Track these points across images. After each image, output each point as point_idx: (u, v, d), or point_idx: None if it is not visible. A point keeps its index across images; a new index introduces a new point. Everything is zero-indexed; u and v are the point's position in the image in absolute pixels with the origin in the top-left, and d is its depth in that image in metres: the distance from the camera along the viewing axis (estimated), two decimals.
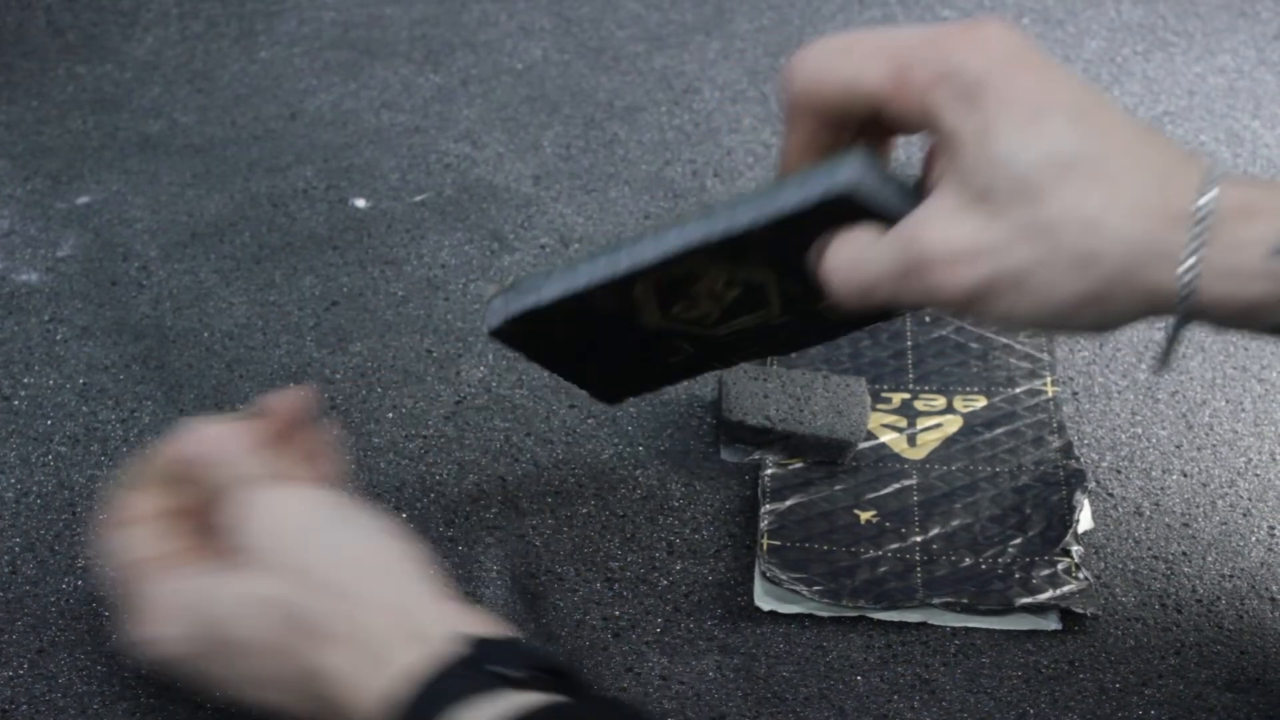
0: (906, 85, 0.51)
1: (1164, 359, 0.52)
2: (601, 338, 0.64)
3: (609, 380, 0.70)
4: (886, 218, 0.53)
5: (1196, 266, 0.47)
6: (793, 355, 0.79)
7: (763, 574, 0.66)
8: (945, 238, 0.50)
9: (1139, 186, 0.48)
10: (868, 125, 0.55)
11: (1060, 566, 0.66)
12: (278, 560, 0.55)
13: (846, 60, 0.53)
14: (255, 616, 0.54)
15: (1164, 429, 0.76)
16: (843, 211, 0.53)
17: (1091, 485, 0.72)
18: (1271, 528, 0.70)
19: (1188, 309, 0.48)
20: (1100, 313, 0.50)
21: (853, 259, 0.53)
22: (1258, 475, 0.73)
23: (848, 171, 0.52)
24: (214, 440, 0.60)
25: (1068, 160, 0.49)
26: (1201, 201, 0.47)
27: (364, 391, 0.78)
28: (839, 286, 0.54)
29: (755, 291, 0.59)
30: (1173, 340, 0.50)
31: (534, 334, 0.63)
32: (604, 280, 0.59)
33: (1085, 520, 0.70)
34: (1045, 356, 0.79)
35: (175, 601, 0.57)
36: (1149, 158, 0.49)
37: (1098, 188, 0.48)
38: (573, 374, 0.69)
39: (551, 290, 0.60)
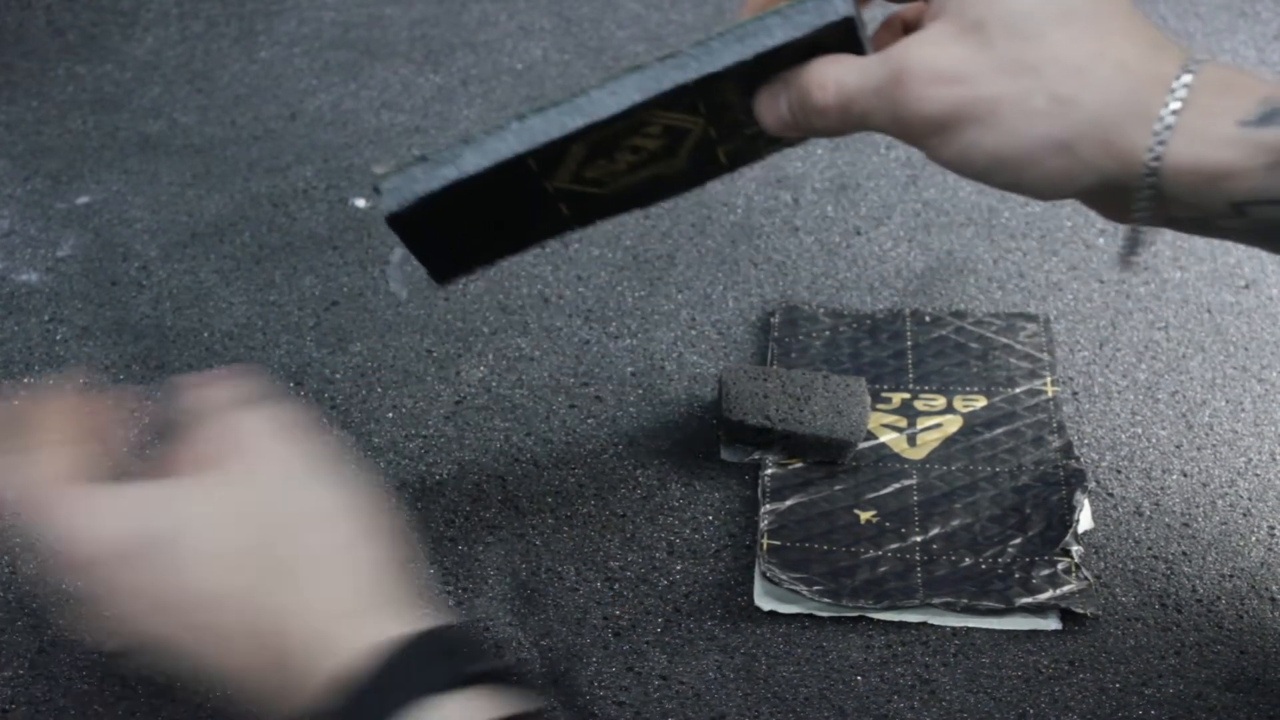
0: None
1: (1128, 251, 0.52)
2: (498, 207, 0.58)
3: (462, 255, 0.63)
4: (860, 52, 0.54)
5: (1171, 124, 0.48)
6: (791, 356, 0.79)
7: (763, 574, 0.67)
8: (929, 56, 0.51)
9: (1130, 48, 0.50)
10: None
11: (1060, 566, 0.66)
12: (256, 480, 0.51)
13: None
14: (224, 526, 0.49)
15: (1164, 429, 0.76)
16: (825, 44, 0.53)
17: (1091, 485, 0.72)
18: (1271, 528, 0.70)
19: (1154, 169, 0.49)
20: (1061, 165, 0.50)
21: (840, 73, 0.53)
22: (1258, 475, 0.73)
23: (840, 3, 0.52)
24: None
25: (1068, 8, 0.50)
26: (1184, 71, 0.49)
27: (364, 391, 0.78)
28: (819, 96, 0.53)
29: (675, 140, 0.57)
30: (1135, 231, 0.51)
31: (439, 214, 0.57)
32: (543, 143, 0.54)
33: (1085, 520, 0.70)
34: (1045, 356, 0.79)
35: (114, 500, 0.50)
36: (1142, 28, 0.51)
37: (1091, 39, 0.50)
38: (429, 249, 0.61)
39: (473, 161, 0.55)
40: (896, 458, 0.73)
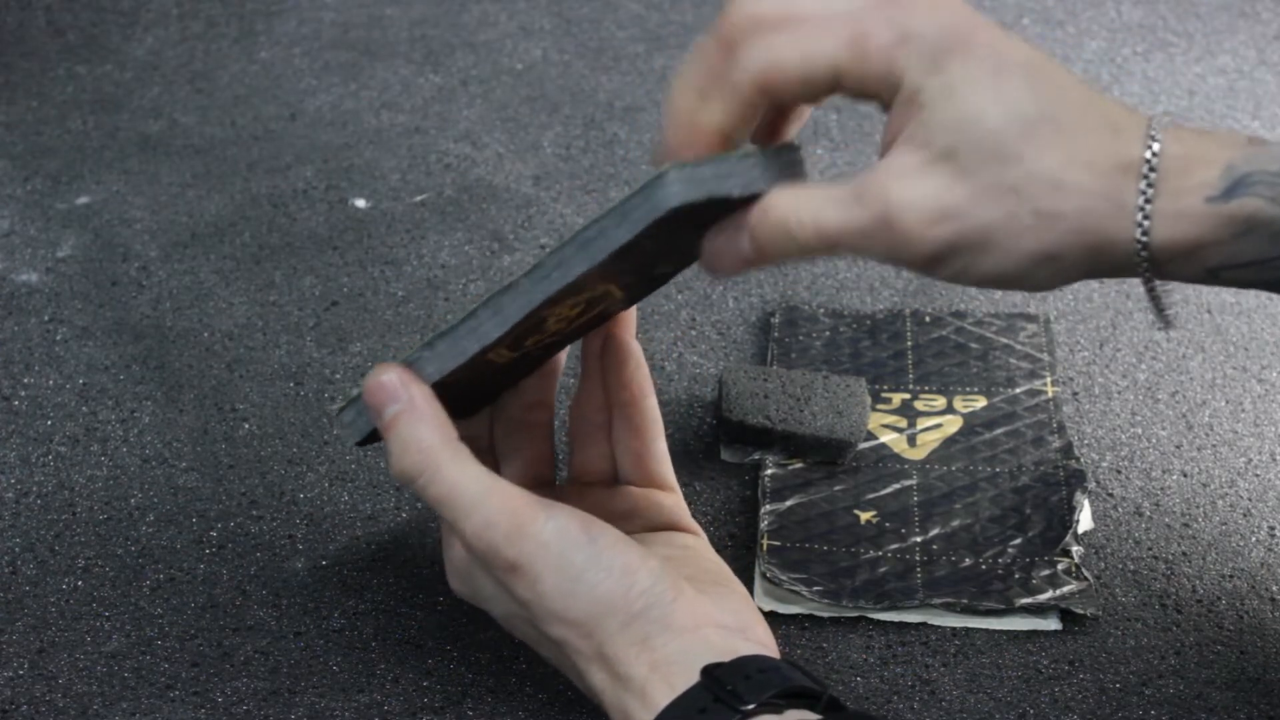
0: (866, 51, 0.51)
1: (1159, 314, 0.54)
2: (458, 394, 0.61)
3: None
4: (748, 200, 0.53)
5: (1148, 213, 0.50)
6: (791, 356, 0.79)
7: (763, 574, 0.66)
8: (913, 196, 0.51)
9: (1093, 142, 0.51)
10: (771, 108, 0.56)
11: (1060, 567, 0.66)
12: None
13: (800, 37, 0.52)
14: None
15: (1164, 429, 0.76)
16: (690, 217, 0.53)
17: (1091, 485, 0.72)
18: (1272, 528, 0.70)
19: (1143, 256, 0.50)
20: (1052, 271, 0.52)
21: (814, 211, 0.53)
22: (1258, 475, 0.73)
23: (665, 193, 0.51)
24: None
25: (1030, 119, 0.50)
26: (1146, 149, 0.50)
27: None
28: (798, 233, 0.53)
29: (600, 299, 0.59)
30: (1153, 294, 0.52)
31: None
32: (454, 368, 0.57)
33: (1085, 521, 0.70)
34: (1045, 357, 0.79)
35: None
36: (1099, 112, 0.51)
37: (1057, 146, 0.50)
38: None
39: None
40: (896, 458, 0.73)
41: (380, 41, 1.10)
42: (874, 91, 0.52)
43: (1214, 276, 0.52)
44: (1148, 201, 0.50)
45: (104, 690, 0.62)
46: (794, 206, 0.53)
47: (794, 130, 0.58)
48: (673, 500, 0.64)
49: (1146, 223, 0.50)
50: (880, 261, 0.54)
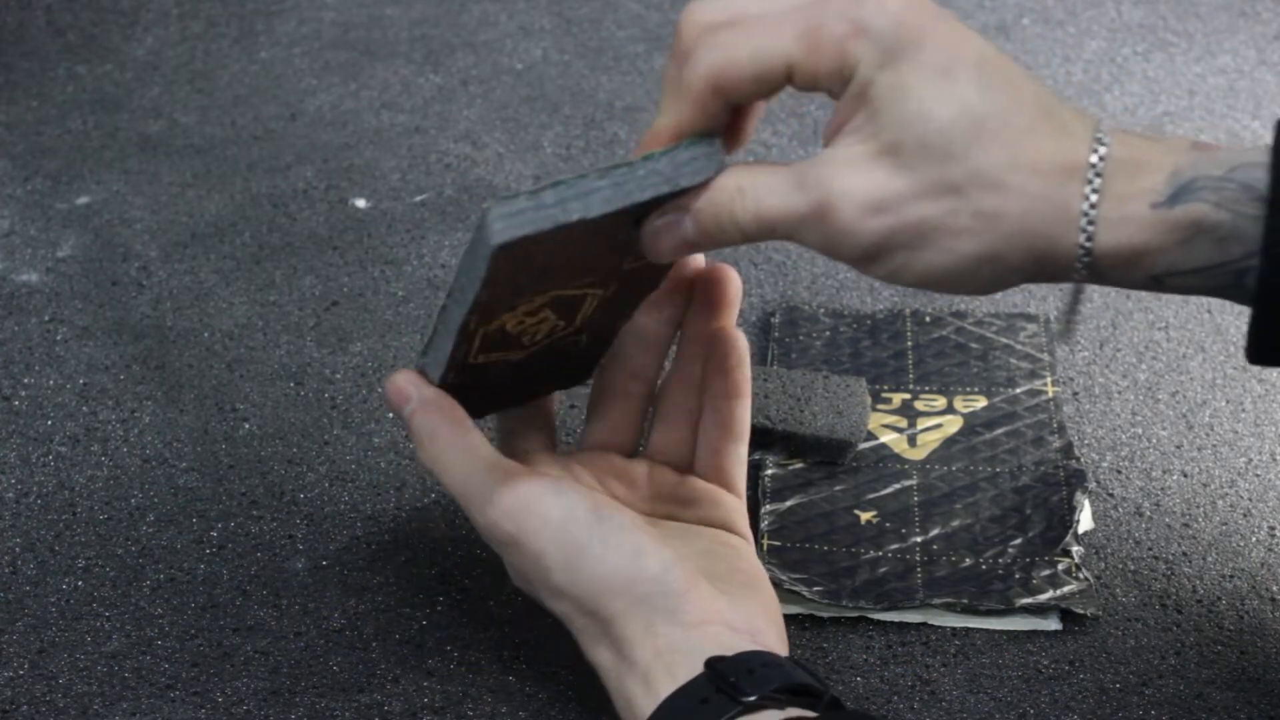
0: (819, 44, 0.51)
1: (1067, 322, 0.54)
2: (488, 392, 0.63)
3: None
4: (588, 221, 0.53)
5: (1092, 218, 0.50)
6: (791, 356, 0.79)
7: None
8: (852, 186, 0.51)
9: (1039, 145, 0.50)
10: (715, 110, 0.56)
11: (1060, 567, 0.66)
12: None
13: (752, 32, 0.52)
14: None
15: (1164, 429, 0.76)
16: (601, 225, 0.53)
17: (1092, 485, 0.72)
18: (1272, 528, 0.70)
19: (1085, 262, 0.50)
20: (992, 273, 0.52)
21: (757, 193, 0.53)
22: (1258, 475, 0.73)
23: (486, 234, 0.52)
24: None
25: (976, 119, 0.50)
26: (1093, 152, 0.50)
27: (364, 391, 0.78)
28: (740, 216, 0.54)
29: (575, 300, 0.59)
30: (1076, 298, 0.53)
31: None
32: (446, 369, 0.59)
33: (1085, 521, 0.70)
34: (1045, 357, 0.79)
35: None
36: (1046, 113, 0.51)
37: (1002, 147, 0.50)
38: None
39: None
40: (897, 458, 0.73)
41: (380, 41, 1.10)
42: (826, 84, 0.52)
43: (1158, 283, 0.51)
44: (1092, 206, 0.50)
45: (104, 690, 0.62)
46: (738, 189, 0.54)
47: (751, 126, 0.58)
48: (735, 503, 0.64)
49: (1091, 228, 0.50)
50: (819, 252, 0.54)
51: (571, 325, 0.61)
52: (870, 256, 0.52)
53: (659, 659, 0.54)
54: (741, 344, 0.64)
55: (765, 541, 0.68)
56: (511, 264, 0.54)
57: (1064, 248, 0.50)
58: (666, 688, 0.53)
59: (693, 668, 0.53)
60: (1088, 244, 0.50)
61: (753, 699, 0.51)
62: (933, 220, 0.51)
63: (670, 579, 0.56)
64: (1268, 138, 0.51)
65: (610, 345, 0.65)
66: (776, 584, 0.66)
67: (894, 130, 0.51)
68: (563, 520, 0.57)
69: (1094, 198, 0.50)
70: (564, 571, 0.57)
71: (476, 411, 0.62)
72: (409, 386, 0.60)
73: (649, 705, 0.54)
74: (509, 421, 0.65)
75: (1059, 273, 0.51)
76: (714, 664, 0.53)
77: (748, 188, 0.53)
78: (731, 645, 0.55)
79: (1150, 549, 0.69)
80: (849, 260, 0.53)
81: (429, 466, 0.60)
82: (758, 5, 0.53)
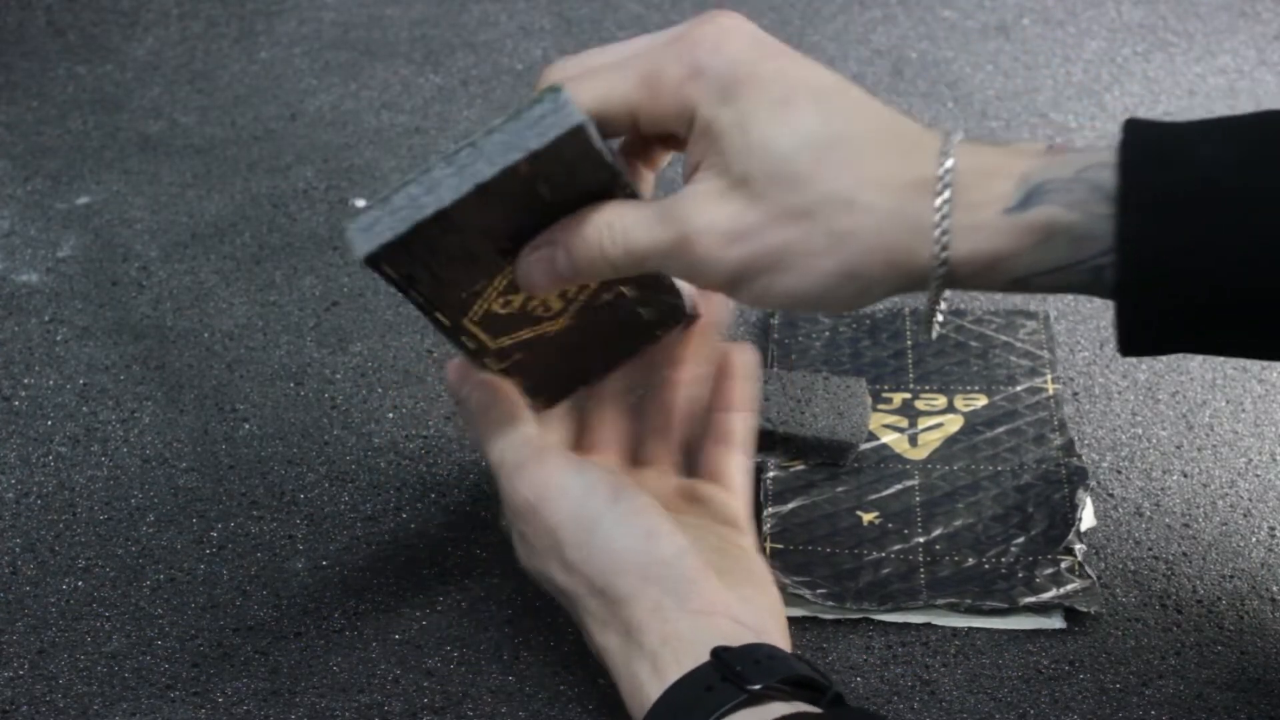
0: (659, 88, 0.53)
1: (928, 325, 0.55)
2: (545, 370, 0.65)
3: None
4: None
5: (945, 229, 0.51)
6: (791, 357, 0.79)
7: None
8: (710, 219, 0.53)
9: (886, 161, 0.52)
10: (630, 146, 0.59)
11: (1063, 565, 0.66)
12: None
13: (595, 82, 0.54)
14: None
15: (1164, 429, 0.76)
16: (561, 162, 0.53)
17: (1092, 485, 0.72)
18: (1272, 528, 0.70)
19: (941, 273, 0.52)
20: (855, 289, 0.53)
21: (625, 229, 0.55)
22: (1258, 475, 0.73)
23: (354, 247, 0.53)
24: None
25: (819, 144, 0.52)
26: (940, 165, 0.51)
27: (364, 391, 0.78)
28: (609, 251, 0.55)
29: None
30: (934, 304, 0.54)
31: None
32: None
33: (1088, 518, 0.70)
34: (1045, 354, 0.79)
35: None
36: (891, 132, 0.53)
37: (849, 167, 0.52)
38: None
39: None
40: (898, 458, 0.73)
41: (380, 41, 1.10)
42: (672, 127, 0.54)
43: (1023, 285, 0.53)
44: (944, 217, 0.51)
45: (104, 690, 0.62)
46: (607, 225, 0.55)
47: (658, 158, 0.60)
48: (740, 503, 0.65)
49: (945, 237, 0.51)
50: (687, 280, 0.56)
51: (588, 287, 0.61)
52: (734, 283, 0.54)
53: (666, 645, 0.56)
54: (740, 365, 0.66)
55: (768, 545, 0.68)
56: (412, 262, 0.55)
57: (921, 259, 0.52)
58: (674, 673, 0.54)
59: (699, 656, 0.54)
60: (943, 254, 0.51)
61: (758, 688, 0.52)
62: (789, 244, 0.52)
63: (682, 565, 0.57)
64: (1067, 144, 0.52)
65: (673, 290, 0.64)
66: (780, 587, 0.66)
67: (742, 163, 0.52)
68: (582, 495, 0.58)
69: (945, 208, 0.51)
70: (578, 547, 0.58)
71: (554, 392, 0.64)
72: (466, 369, 0.63)
73: (656, 689, 0.54)
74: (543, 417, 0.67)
75: (921, 283, 0.53)
76: (720, 653, 0.54)
77: (616, 224, 0.55)
78: (738, 638, 0.56)
79: (1150, 549, 0.69)
80: (715, 287, 0.55)
81: (477, 439, 0.62)
82: (606, 57, 0.56)
